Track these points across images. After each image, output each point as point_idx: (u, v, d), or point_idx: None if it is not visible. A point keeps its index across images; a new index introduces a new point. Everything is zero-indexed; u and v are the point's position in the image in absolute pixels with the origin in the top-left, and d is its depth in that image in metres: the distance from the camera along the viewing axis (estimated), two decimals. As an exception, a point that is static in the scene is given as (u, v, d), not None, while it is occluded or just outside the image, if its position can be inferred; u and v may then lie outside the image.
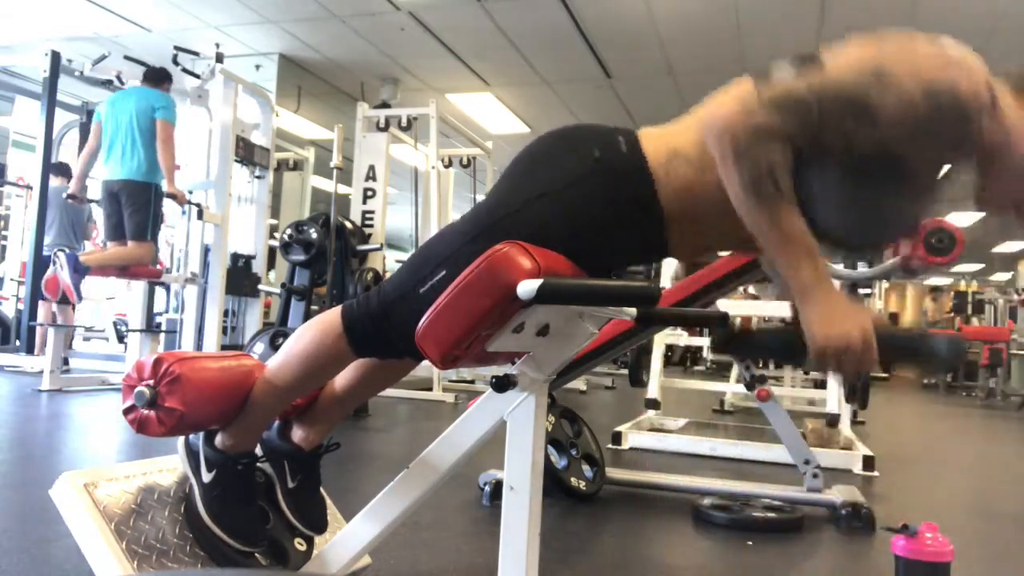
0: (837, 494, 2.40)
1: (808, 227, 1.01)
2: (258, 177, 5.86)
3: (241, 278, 5.52)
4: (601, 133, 1.17)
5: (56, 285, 4.29)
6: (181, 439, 1.34)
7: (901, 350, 1.02)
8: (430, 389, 5.44)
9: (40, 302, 5.41)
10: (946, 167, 1.09)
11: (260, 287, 5.74)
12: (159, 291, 6.16)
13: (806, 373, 7.05)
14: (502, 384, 1.11)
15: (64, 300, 4.42)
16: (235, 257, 5.52)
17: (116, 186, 4.53)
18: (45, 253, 5.65)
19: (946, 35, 1.04)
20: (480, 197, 7.44)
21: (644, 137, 1.15)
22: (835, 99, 0.99)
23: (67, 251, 4.33)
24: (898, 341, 1.01)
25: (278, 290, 5.43)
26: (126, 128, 4.51)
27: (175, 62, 5.32)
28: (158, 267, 5.03)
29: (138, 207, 4.51)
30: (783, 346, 1.09)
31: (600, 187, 1.12)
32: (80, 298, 4.45)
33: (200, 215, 5.01)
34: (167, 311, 5.90)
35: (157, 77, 4.80)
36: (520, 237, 1.07)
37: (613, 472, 2.66)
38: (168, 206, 4.91)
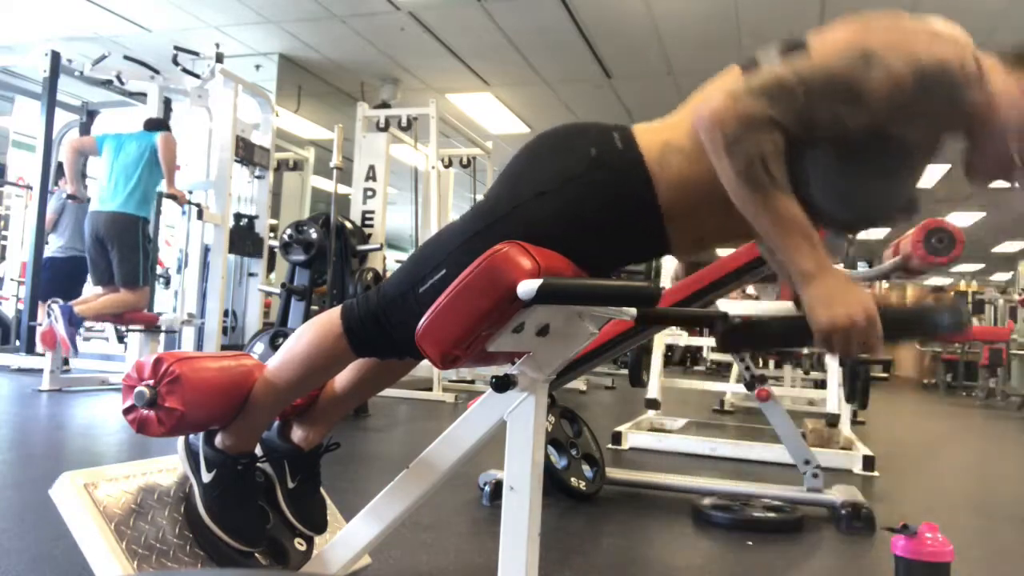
0: (837, 494, 2.40)
1: (806, 210, 1.01)
2: (258, 177, 5.86)
3: (244, 238, 5.52)
4: (596, 130, 1.17)
5: (53, 337, 4.28)
6: (181, 439, 1.34)
7: (905, 325, 1.01)
8: (430, 389, 5.44)
9: (40, 303, 5.41)
10: (940, 142, 1.09)
11: (260, 287, 5.75)
12: (159, 291, 6.16)
13: (806, 373, 7.05)
14: (502, 384, 1.11)
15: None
16: (237, 216, 5.51)
17: (101, 225, 4.44)
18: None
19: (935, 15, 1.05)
20: (480, 197, 7.44)
21: (638, 132, 1.15)
22: (822, 82, 0.99)
23: (61, 303, 4.30)
24: (901, 316, 1.01)
25: (278, 290, 5.43)
26: (121, 164, 4.48)
27: (175, 62, 5.32)
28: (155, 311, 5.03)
29: (125, 252, 4.43)
30: (787, 331, 1.09)
31: (597, 184, 1.12)
32: (75, 351, 4.43)
33: (200, 215, 5.01)
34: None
35: (157, 126, 4.78)
36: (517, 236, 1.07)
37: (613, 472, 2.65)
38: (168, 206, 4.91)
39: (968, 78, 1.00)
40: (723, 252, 2.33)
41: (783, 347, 1.21)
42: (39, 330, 4.45)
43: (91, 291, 4.77)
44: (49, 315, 4.30)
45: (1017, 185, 1.10)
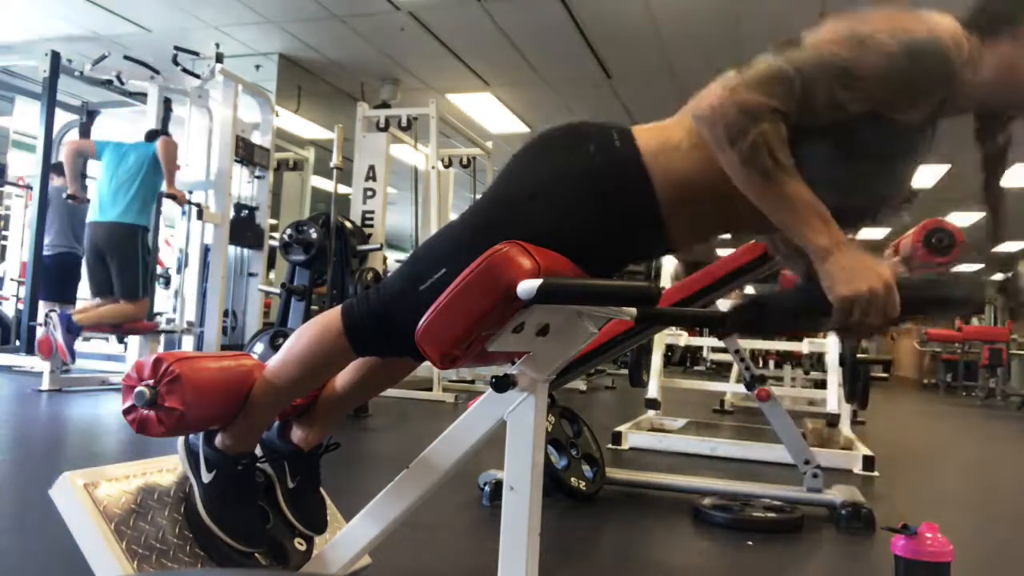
0: (837, 494, 2.40)
1: None
2: (258, 177, 5.86)
3: (244, 229, 5.51)
4: (595, 129, 1.17)
5: (50, 345, 4.27)
6: (181, 439, 1.34)
7: (922, 297, 1.02)
8: (430, 389, 5.44)
9: (40, 302, 5.41)
10: (937, 123, 1.11)
11: (260, 287, 5.75)
12: (159, 291, 6.16)
13: (806, 373, 7.04)
14: (502, 384, 1.11)
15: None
16: (238, 207, 5.51)
17: (100, 236, 4.44)
18: (45, 252, 5.65)
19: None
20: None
21: (637, 132, 1.16)
22: (817, 68, 1.01)
23: (59, 311, 4.30)
24: (919, 288, 1.01)
25: (278, 290, 5.43)
26: (121, 174, 4.48)
27: (175, 62, 5.32)
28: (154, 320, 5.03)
29: (124, 263, 4.42)
30: (803, 307, 1.08)
31: (596, 183, 1.12)
32: (73, 358, 4.41)
33: (200, 215, 5.01)
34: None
35: (156, 136, 4.76)
36: (517, 235, 1.07)
37: (613, 472, 2.65)
38: (168, 206, 4.91)
39: (961, 55, 1.02)
40: (723, 252, 2.33)
41: (796, 326, 1.18)
42: (37, 338, 4.43)
43: (90, 301, 4.76)
44: (47, 323, 4.29)
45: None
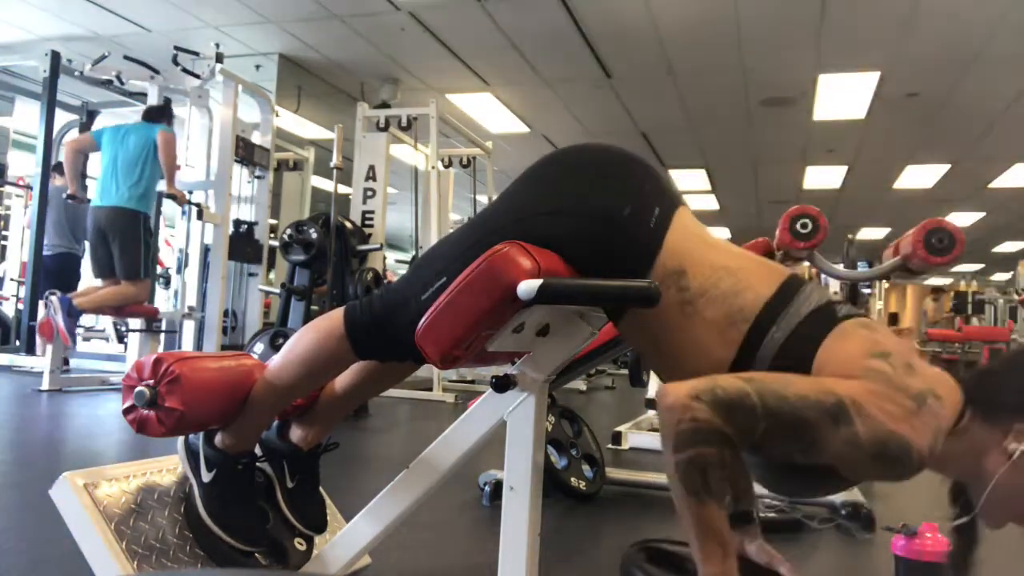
0: (837, 494, 2.40)
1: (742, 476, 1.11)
2: (258, 177, 5.86)
3: (243, 245, 5.52)
4: (640, 185, 1.15)
5: (51, 328, 4.27)
6: (181, 439, 1.34)
7: None
8: (430, 389, 5.44)
9: (40, 302, 5.41)
10: None
11: (260, 287, 5.75)
12: (159, 291, 6.16)
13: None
14: (502, 384, 1.11)
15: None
16: (237, 223, 5.52)
17: (103, 219, 4.45)
18: (45, 253, 5.65)
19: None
20: (480, 197, 7.46)
21: (675, 225, 1.14)
22: (786, 425, 0.97)
23: (59, 295, 4.30)
24: None
25: (278, 290, 5.43)
26: (121, 158, 4.48)
27: (175, 62, 5.32)
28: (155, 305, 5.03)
29: (126, 244, 4.43)
30: None
31: (608, 240, 1.11)
32: (74, 341, 4.43)
33: (200, 215, 5.01)
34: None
35: (157, 115, 4.76)
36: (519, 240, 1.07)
37: (613, 472, 2.65)
38: (168, 206, 4.91)
39: (936, 445, 0.98)
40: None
41: None
42: (38, 321, 4.43)
43: (91, 285, 4.78)
44: (47, 306, 4.29)
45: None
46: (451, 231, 1.33)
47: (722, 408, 0.96)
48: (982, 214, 12.01)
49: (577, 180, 1.16)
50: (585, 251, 1.11)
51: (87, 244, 4.73)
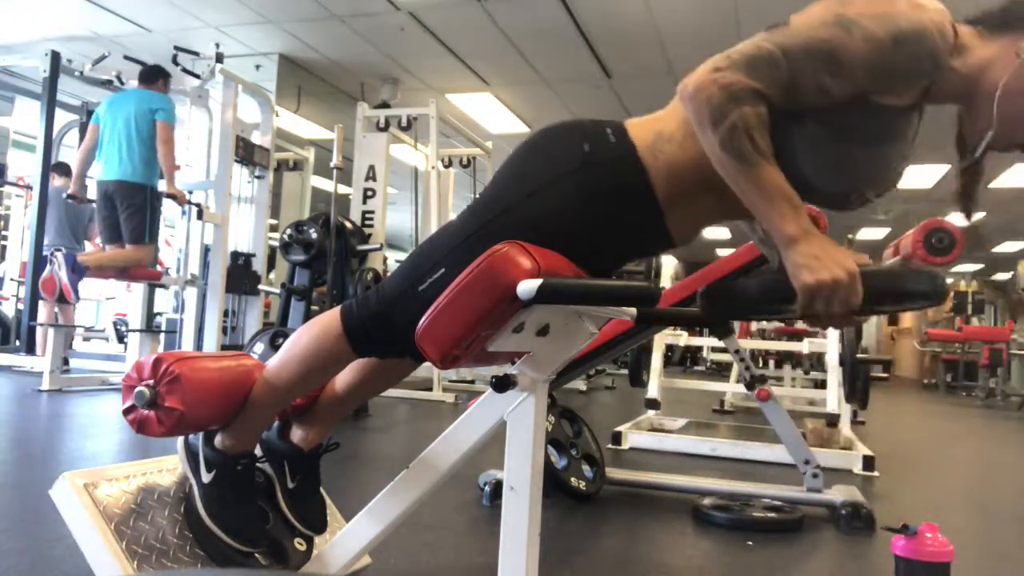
0: (837, 494, 2.40)
1: (794, 184, 1.03)
2: (258, 177, 5.86)
3: (241, 276, 5.52)
4: (589, 125, 1.18)
5: (53, 284, 4.26)
6: (181, 439, 1.34)
7: (885, 287, 1.03)
8: (430, 389, 5.44)
9: (40, 302, 5.41)
10: (923, 109, 1.11)
11: (260, 287, 5.75)
12: (159, 291, 6.16)
13: (806, 373, 7.03)
14: (502, 384, 1.11)
15: (63, 299, 4.41)
16: (235, 255, 5.52)
17: (110, 187, 4.49)
18: (44, 253, 5.66)
19: None
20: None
21: (631, 125, 1.16)
22: (803, 51, 1.01)
23: (64, 251, 4.32)
24: (882, 279, 1.03)
25: (278, 290, 5.43)
26: (122, 130, 4.50)
27: (175, 62, 5.32)
28: (158, 268, 5.02)
29: (134, 210, 4.48)
30: (768, 293, 1.09)
31: (592, 178, 1.12)
32: (77, 298, 4.43)
33: (200, 215, 5.01)
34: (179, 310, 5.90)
35: (152, 76, 4.77)
36: (515, 233, 1.07)
37: (613, 472, 2.65)
38: (168, 206, 4.91)
39: (945, 41, 1.02)
40: (723, 252, 2.33)
41: (764, 312, 1.18)
42: (41, 278, 4.41)
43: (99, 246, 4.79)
44: (52, 263, 4.29)
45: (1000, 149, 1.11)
46: (444, 223, 1.34)
47: (743, 66, 1.00)
48: (982, 214, 12.01)
49: (542, 153, 1.17)
50: (580, 209, 1.11)
51: (95, 212, 4.72)
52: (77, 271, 4.27)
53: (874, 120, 1.06)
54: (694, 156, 1.08)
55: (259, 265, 5.70)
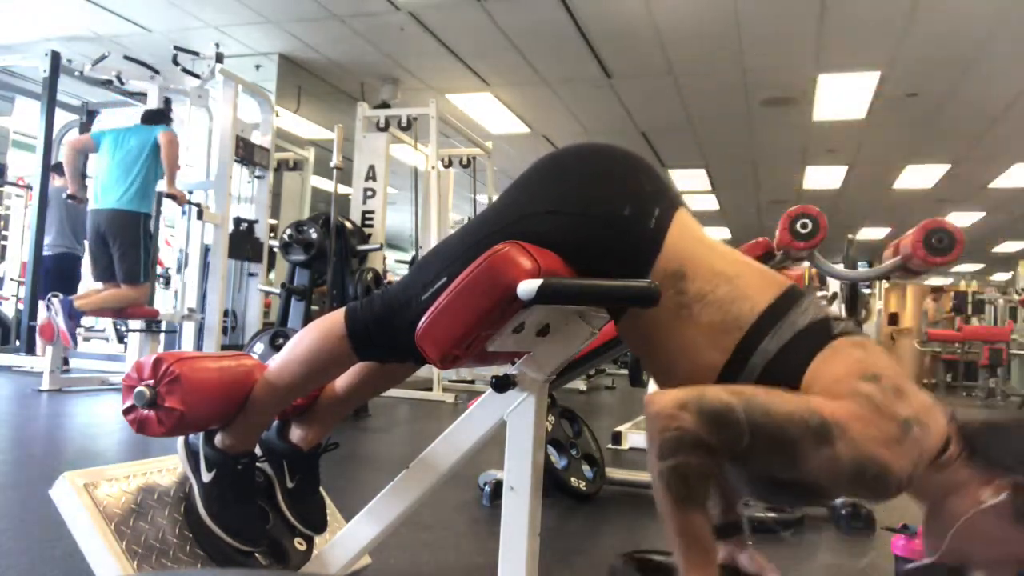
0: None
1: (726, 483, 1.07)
2: (258, 177, 5.86)
3: (243, 242, 5.52)
4: (639, 187, 1.15)
5: (51, 330, 4.29)
6: (181, 439, 1.34)
7: None
8: (430, 389, 5.44)
9: (40, 302, 5.41)
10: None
11: (260, 287, 5.75)
12: (159, 291, 6.16)
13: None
14: (502, 384, 1.11)
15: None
16: (237, 221, 5.52)
17: (103, 221, 4.44)
18: (45, 252, 5.66)
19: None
20: (480, 197, 7.46)
21: (675, 226, 1.13)
22: (768, 440, 0.98)
23: (61, 297, 4.31)
24: None
25: (278, 290, 5.43)
26: (123, 159, 4.47)
27: (175, 62, 5.32)
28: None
29: (126, 248, 4.42)
30: None
31: (612, 244, 1.11)
32: (75, 344, 4.46)
33: (200, 215, 5.01)
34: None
35: (155, 118, 4.74)
36: (518, 239, 1.07)
37: (613, 472, 2.65)
38: (168, 206, 4.91)
39: (901, 485, 1.00)
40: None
41: None
42: (38, 323, 4.45)
43: (91, 287, 4.78)
44: (49, 308, 4.30)
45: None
46: (452, 232, 1.34)
47: (707, 419, 0.97)
48: (982, 214, 12.01)
49: (577, 180, 1.16)
50: (584, 251, 1.11)
51: (87, 245, 4.73)
52: (74, 316, 4.30)
53: (807, 487, 1.06)
54: (683, 330, 1.09)
55: (261, 233, 5.69)
